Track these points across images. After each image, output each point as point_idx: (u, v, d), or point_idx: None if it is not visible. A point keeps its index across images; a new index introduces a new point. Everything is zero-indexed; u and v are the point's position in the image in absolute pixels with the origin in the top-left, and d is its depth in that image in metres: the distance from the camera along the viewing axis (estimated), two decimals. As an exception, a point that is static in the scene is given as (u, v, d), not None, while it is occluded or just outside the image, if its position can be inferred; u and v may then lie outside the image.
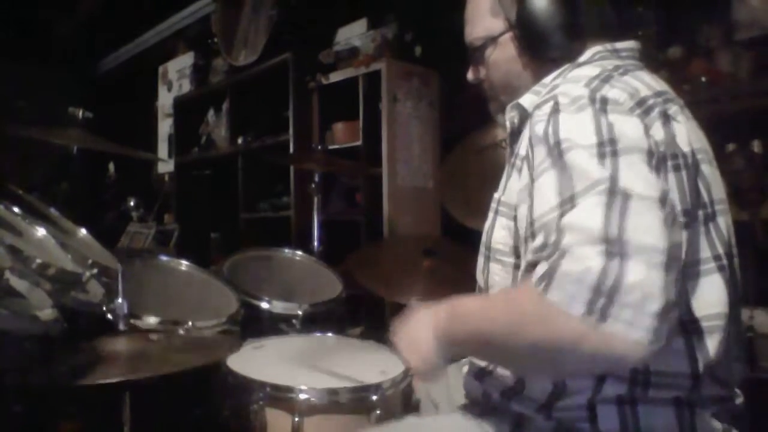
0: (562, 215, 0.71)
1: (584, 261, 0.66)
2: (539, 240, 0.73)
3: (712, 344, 0.81)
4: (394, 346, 0.96)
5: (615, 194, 0.69)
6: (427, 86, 3.04)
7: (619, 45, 0.94)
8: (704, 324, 0.81)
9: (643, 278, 0.65)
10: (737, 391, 0.87)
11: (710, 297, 0.81)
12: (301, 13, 3.44)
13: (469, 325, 0.83)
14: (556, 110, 0.79)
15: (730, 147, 1.95)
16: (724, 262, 0.82)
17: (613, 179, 0.70)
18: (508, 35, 0.99)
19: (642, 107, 0.79)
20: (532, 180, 0.80)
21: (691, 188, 0.81)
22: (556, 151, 0.76)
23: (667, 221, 0.69)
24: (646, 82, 0.85)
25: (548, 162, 0.77)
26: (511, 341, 0.75)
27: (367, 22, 3.14)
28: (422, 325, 0.90)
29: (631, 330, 0.64)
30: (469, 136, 2.05)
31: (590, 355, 0.67)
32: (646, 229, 0.67)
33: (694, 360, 0.81)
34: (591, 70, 0.85)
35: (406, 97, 2.94)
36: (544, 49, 0.95)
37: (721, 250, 0.82)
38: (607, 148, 0.73)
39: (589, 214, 0.69)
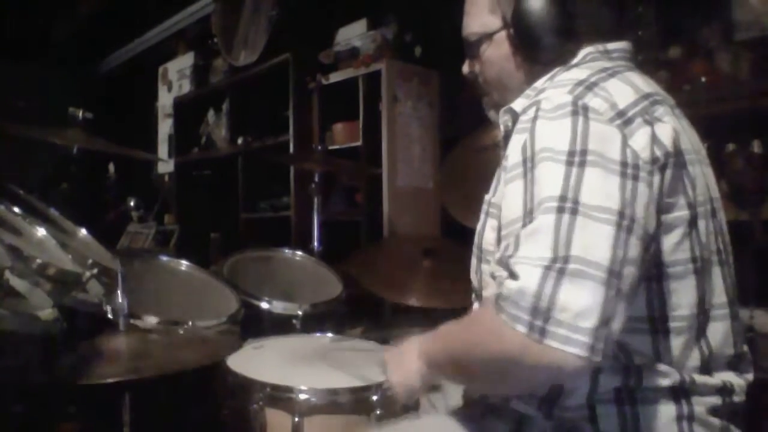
0: (523, 227, 0.75)
1: (523, 279, 0.71)
2: (502, 251, 0.76)
3: (697, 341, 0.83)
4: (385, 363, 1.03)
5: (564, 211, 0.72)
6: (427, 86, 3.04)
7: (611, 46, 0.94)
8: (676, 324, 0.81)
9: (576, 296, 0.69)
10: (736, 386, 0.87)
11: (684, 298, 0.82)
12: (301, 13, 3.44)
13: (440, 344, 0.90)
14: (536, 117, 0.81)
15: (730, 147, 1.95)
16: (699, 265, 0.83)
17: (571, 194, 0.73)
18: (503, 33, 0.99)
19: (622, 118, 0.79)
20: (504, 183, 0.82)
21: (673, 189, 0.81)
22: (530, 163, 0.78)
23: (619, 236, 0.71)
24: (634, 84, 0.84)
25: (520, 170, 0.79)
26: (470, 357, 0.81)
27: (367, 22, 3.14)
28: (412, 347, 0.96)
29: (567, 346, 0.68)
30: (469, 136, 2.04)
31: (533, 369, 0.72)
32: (590, 245, 0.70)
33: (687, 352, 0.82)
34: (578, 74, 0.85)
35: (406, 97, 2.94)
36: (537, 50, 0.94)
37: (698, 253, 0.83)
38: (577, 158, 0.75)
39: (538, 230, 0.73)
